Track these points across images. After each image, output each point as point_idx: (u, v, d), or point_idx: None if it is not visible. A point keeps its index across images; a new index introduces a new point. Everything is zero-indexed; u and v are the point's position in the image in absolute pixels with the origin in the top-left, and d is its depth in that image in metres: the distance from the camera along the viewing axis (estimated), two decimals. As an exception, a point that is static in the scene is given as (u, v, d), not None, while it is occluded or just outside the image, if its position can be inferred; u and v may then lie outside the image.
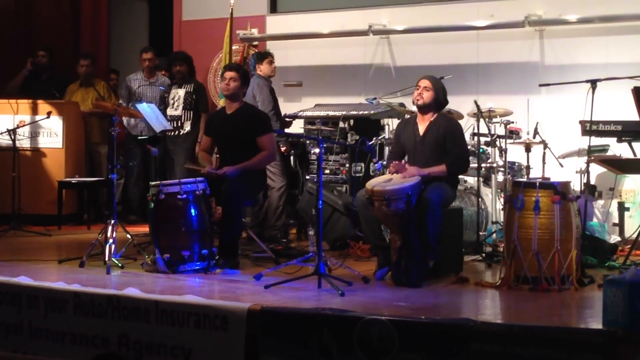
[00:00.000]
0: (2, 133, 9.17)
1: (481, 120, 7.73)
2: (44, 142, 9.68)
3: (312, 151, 8.56)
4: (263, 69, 8.76)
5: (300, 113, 9.01)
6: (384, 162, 7.69)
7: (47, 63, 10.36)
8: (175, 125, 9.38)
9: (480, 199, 7.66)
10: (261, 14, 10.58)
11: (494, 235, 7.77)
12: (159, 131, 8.86)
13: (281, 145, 8.43)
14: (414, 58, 9.57)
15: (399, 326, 4.81)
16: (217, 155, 7.68)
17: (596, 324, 4.80)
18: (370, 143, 7.99)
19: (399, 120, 8.06)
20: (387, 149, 8.15)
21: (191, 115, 9.41)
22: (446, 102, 6.91)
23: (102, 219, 8.49)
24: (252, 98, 8.50)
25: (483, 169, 7.85)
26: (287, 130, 8.81)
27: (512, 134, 7.94)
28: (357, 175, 8.19)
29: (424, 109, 6.78)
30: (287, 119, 9.03)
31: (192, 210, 6.82)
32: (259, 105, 8.31)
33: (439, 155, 6.66)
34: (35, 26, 11.50)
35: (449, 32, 9.34)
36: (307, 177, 8.54)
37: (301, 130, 8.92)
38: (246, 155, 7.17)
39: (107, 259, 6.78)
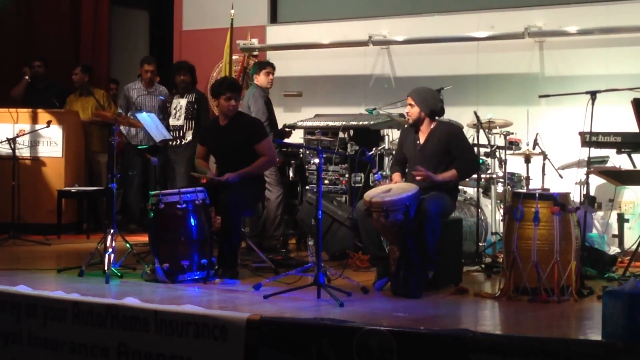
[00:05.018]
0: (2, 142, 9.18)
1: (481, 131, 7.75)
2: (43, 151, 9.68)
3: (312, 161, 8.56)
4: (260, 79, 8.76)
5: (300, 123, 9.01)
6: (384, 173, 7.69)
7: (43, 73, 10.33)
8: (177, 135, 9.38)
9: (479, 210, 7.66)
10: (261, 24, 10.59)
11: (494, 246, 7.76)
12: (158, 141, 8.86)
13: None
14: (414, 69, 9.57)
15: (398, 337, 4.80)
16: (217, 165, 7.68)
17: (595, 335, 4.80)
18: (370, 153, 8.00)
19: (399, 131, 8.06)
20: (386, 160, 8.15)
21: (193, 125, 9.40)
22: (438, 108, 6.83)
23: (102, 228, 8.50)
24: (247, 108, 8.52)
25: (483, 180, 7.86)
26: (286, 141, 8.81)
27: (512, 144, 7.94)
28: (357, 185, 8.20)
29: (415, 125, 6.81)
30: (286, 129, 9.03)
31: (192, 220, 6.82)
32: (253, 116, 8.31)
33: (439, 164, 6.68)
34: (35, 36, 11.50)
35: (449, 43, 9.35)
36: (307, 187, 8.54)
37: (301, 141, 8.93)
38: (245, 164, 7.17)
39: (106, 268, 6.78)
